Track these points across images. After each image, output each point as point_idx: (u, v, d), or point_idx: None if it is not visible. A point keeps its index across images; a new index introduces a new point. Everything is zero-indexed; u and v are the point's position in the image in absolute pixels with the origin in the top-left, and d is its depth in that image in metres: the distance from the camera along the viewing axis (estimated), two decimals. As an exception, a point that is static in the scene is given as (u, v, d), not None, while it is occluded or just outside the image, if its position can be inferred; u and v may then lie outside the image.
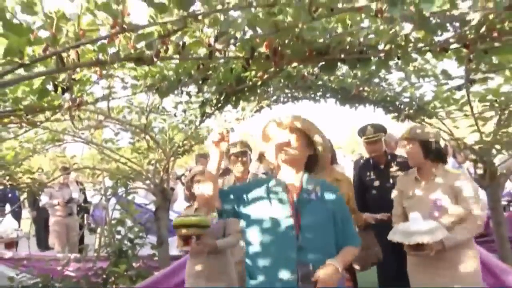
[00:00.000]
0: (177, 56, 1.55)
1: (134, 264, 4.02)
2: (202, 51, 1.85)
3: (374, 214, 3.23)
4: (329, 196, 1.80)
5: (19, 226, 6.99)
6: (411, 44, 2.01)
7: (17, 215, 7.34)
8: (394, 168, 3.38)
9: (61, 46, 1.26)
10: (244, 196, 1.83)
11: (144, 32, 1.29)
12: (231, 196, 1.83)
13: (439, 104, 3.07)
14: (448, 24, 1.89)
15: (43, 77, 1.73)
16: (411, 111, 3.32)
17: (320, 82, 3.64)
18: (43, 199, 6.03)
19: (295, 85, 3.29)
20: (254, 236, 1.76)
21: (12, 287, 3.60)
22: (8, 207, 6.29)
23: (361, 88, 3.21)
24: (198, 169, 2.84)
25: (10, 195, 6.92)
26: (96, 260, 4.22)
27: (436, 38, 2.00)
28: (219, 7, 1.18)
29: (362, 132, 3.43)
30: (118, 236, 4.28)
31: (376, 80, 3.20)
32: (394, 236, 2.34)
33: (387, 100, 3.46)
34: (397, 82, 3.31)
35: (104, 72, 2.11)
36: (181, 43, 1.61)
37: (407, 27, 1.90)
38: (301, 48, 1.86)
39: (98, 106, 2.84)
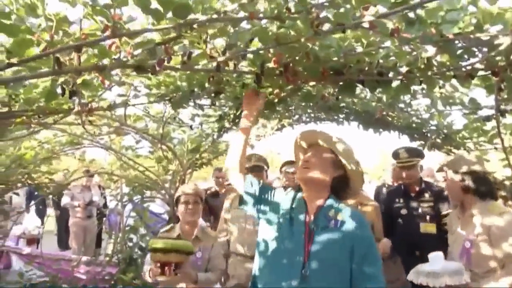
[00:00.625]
0: (182, 66, 1.51)
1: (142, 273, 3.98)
2: (213, 63, 1.81)
3: (398, 244, 3.04)
4: (351, 227, 1.55)
5: (43, 224, 7.18)
6: (435, 69, 1.89)
7: (41, 213, 7.55)
8: (426, 198, 3.17)
9: (58, 48, 1.24)
10: (268, 198, 1.70)
11: (143, 39, 1.26)
12: (256, 188, 1.71)
13: (468, 134, 2.88)
14: (475, 49, 1.76)
15: (50, 80, 1.74)
16: (438, 140, 3.13)
17: (343, 104, 3.53)
18: (64, 200, 6.16)
19: (316, 105, 3.19)
20: (263, 249, 1.63)
21: (20, 283, 3.64)
22: (33, 203, 6.46)
23: (384, 113, 3.06)
24: (183, 189, 2.57)
25: (36, 193, 7.12)
26: (106, 265, 4.23)
27: (463, 63, 1.87)
28: (215, 16, 1.13)
29: (395, 155, 3.24)
30: (130, 244, 4.28)
31: (402, 105, 3.05)
32: (409, 274, 2.19)
33: (412, 127, 3.29)
34: (424, 108, 3.15)
35: (117, 79, 2.12)
36: (187, 53, 1.57)
37: (431, 50, 1.78)
38: (314, 66, 1.78)
39: (116, 113, 2.85)
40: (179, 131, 4.04)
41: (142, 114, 3.22)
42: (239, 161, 1.77)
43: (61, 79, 1.44)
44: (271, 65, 1.66)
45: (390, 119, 3.27)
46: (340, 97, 2.93)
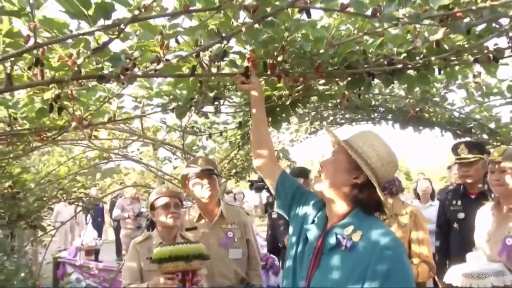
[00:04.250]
0: (144, 72, 1.41)
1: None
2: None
3: (454, 259, 2.63)
4: (368, 248, 1.18)
5: (100, 236, 7.54)
6: (451, 53, 1.60)
7: (99, 225, 7.95)
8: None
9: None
10: (299, 204, 1.47)
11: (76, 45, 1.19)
12: (293, 186, 1.52)
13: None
14: (496, 25, 1.47)
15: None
16: (485, 135, 2.73)
17: (377, 102, 3.25)
18: (115, 212, 6.42)
19: (340, 104, 2.94)
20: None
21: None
22: (89, 217, 6.80)
23: (417, 109, 2.74)
24: (160, 191, 2.19)
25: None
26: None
27: (486, 44, 1.57)
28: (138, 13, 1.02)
29: (454, 150, 2.83)
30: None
31: (437, 99, 2.70)
32: (446, 277, 2.04)
33: (455, 122, 2.91)
34: (466, 101, 2.78)
35: (115, 91, 2.09)
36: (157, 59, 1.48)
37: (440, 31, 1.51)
38: (303, 61, 1.60)
39: (132, 125, 2.86)
40: (210, 140, 3.98)
41: (155, 125, 3.19)
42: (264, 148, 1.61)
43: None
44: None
45: (427, 115, 2.92)
46: (362, 95, 2.67)
